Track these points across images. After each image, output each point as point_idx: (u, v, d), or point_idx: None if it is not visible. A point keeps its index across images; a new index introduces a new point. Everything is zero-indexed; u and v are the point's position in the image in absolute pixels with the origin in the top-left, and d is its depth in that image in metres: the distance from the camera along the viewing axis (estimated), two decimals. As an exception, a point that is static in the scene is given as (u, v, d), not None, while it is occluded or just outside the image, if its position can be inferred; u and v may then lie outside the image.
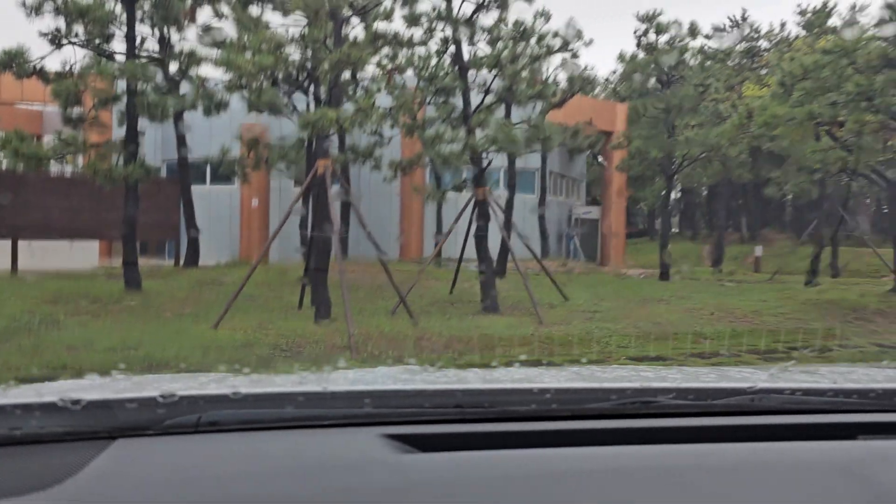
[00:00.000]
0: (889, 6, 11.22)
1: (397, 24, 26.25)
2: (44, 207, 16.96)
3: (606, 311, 13.06)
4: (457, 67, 13.61)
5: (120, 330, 9.93)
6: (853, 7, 35.79)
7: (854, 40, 11.93)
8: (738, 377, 1.64)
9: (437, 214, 23.29)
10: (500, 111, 16.10)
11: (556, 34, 17.39)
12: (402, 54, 14.39)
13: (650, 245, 31.46)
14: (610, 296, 15.19)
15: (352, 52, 10.27)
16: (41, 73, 13.93)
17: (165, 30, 15.70)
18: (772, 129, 12.99)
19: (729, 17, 47.55)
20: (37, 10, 13.78)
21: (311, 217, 12.18)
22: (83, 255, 18.19)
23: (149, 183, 15.37)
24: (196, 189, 19.63)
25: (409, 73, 15.33)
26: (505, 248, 16.87)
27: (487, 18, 14.87)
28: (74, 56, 21.05)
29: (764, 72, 30.82)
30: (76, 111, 13.99)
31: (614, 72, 25.66)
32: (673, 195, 42.81)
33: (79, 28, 13.90)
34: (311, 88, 14.18)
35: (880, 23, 11.58)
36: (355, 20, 13.66)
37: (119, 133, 14.66)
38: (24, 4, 13.74)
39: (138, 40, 14.38)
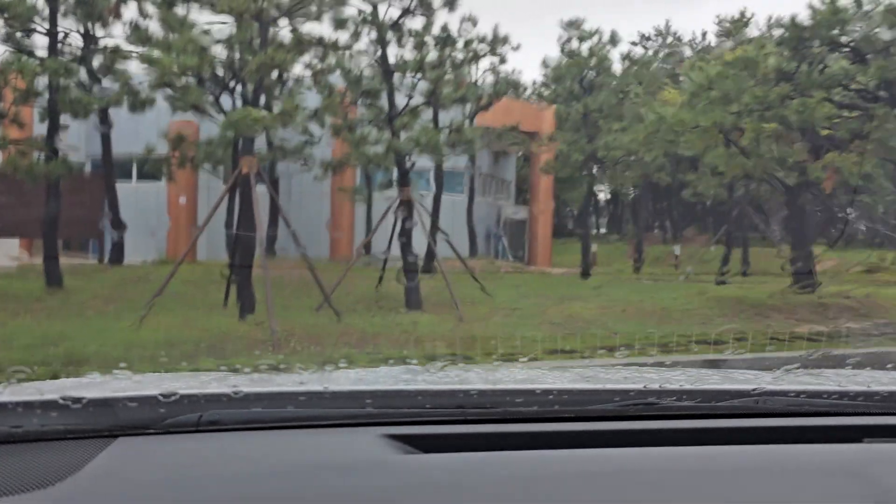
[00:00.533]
0: (783, 25, 12.17)
1: (325, 27, 26.37)
2: (-39, 204, 16.57)
3: (526, 308, 13.57)
4: (382, 71, 13.94)
5: (40, 328, 9.91)
6: (769, 19, 37.46)
7: (754, 54, 12.81)
8: (741, 379, 1.60)
9: (367, 214, 23.55)
10: (429, 114, 16.50)
11: (482, 39, 17.88)
12: (330, 57, 14.63)
13: (577, 245, 32.27)
14: (531, 293, 15.73)
15: (276, 54, 10.50)
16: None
17: (90, 26, 15.57)
18: (679, 136, 13.81)
19: (654, 27, 49.16)
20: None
21: (237, 215, 12.35)
22: (2, 252, 17.83)
23: (72, 179, 15.22)
24: (122, 186, 19.42)
25: (338, 74, 15.58)
26: (431, 248, 17.28)
27: (415, 23, 15.24)
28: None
29: (682, 79, 32.07)
30: (-5, 107, 13.79)
31: (545, 75, 26.48)
32: (602, 197, 44.12)
33: (-2, 23, 13.71)
34: (239, 89, 14.31)
35: (780, 41, 12.50)
36: (283, 22, 13.86)
37: (41, 129, 14.50)
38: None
39: (61, 36, 14.26)
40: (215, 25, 13.64)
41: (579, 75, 20.93)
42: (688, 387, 1.42)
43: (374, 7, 13.82)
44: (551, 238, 32.39)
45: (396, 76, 14.52)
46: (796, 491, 1.17)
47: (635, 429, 1.30)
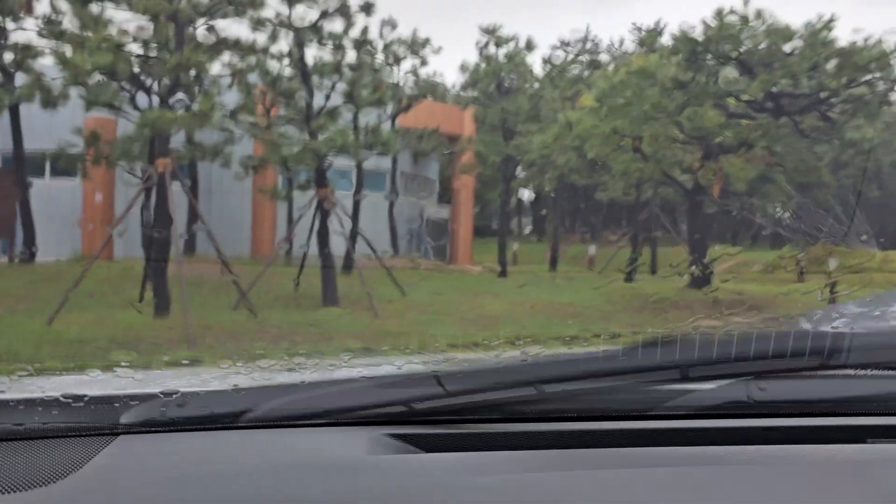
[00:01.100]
0: (676, 38, 13.00)
1: (244, 28, 26.28)
2: None
3: (440, 304, 14.02)
4: (301, 72, 14.17)
5: (-53, 326, 9.81)
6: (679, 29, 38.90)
7: (655, 64, 13.63)
8: None
9: (288, 213, 23.61)
10: (350, 115, 16.77)
11: (402, 42, 18.28)
12: (249, 58, 14.77)
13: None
14: (447, 291, 16.20)
15: (192, 55, 10.64)
16: None
17: (0, 19, 15.27)
18: (584, 141, 14.55)
19: (571, 31, 50.50)
20: None
21: (154, 214, 12.40)
22: None
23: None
24: (35, 183, 19.02)
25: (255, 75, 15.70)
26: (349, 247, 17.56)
27: (334, 25, 15.50)
28: None
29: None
30: None
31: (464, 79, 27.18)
32: (526, 197, 45.09)
33: None
34: (155, 88, 14.30)
35: (674, 50, 13.35)
36: (200, 22, 13.92)
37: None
38: None
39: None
40: (132, 24, 13.63)
41: (496, 79, 21.56)
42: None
43: (290, 8, 14.03)
44: (472, 237, 33.01)
45: (315, 78, 14.77)
46: (800, 491, 1.16)
47: (636, 428, 1.30)
